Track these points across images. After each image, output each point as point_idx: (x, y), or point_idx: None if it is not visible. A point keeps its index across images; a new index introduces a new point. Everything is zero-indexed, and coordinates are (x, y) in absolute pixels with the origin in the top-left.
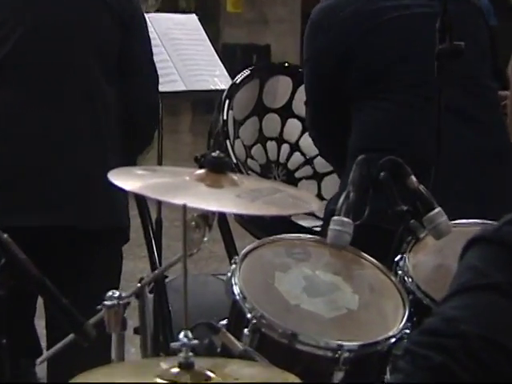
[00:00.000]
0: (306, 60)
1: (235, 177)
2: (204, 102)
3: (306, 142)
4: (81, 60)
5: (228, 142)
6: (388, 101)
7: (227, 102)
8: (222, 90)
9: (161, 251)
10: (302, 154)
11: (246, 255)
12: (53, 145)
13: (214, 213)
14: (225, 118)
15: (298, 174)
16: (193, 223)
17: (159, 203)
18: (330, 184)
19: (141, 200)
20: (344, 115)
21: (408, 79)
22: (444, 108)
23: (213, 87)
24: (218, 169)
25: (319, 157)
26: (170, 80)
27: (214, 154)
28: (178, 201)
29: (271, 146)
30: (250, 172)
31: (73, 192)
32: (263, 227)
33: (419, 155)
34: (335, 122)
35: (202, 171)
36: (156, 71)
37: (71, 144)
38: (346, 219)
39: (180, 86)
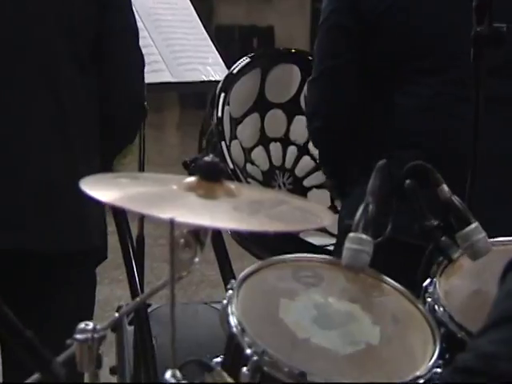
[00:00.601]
0: (329, 12)
1: (232, 186)
2: (194, 95)
3: None
4: (42, 44)
5: (223, 143)
6: (420, 85)
7: (222, 95)
8: (217, 82)
9: (143, 274)
10: (312, 157)
11: (244, 279)
12: (4, 150)
13: (206, 229)
14: (219, 114)
15: (307, 182)
16: (181, 241)
17: (141, 217)
18: None
19: (119, 214)
20: (364, 98)
21: (445, 61)
22: (484, 100)
23: (205, 78)
24: (211, 176)
25: None
26: (154, 69)
27: (206, 158)
28: (164, 214)
29: (275, 148)
30: (249, 180)
31: (32, 208)
32: (265, 246)
33: (453, 152)
34: (355, 103)
35: (192, 179)
36: (142, 56)
37: (29, 148)
38: (364, 236)
39: (166, 77)
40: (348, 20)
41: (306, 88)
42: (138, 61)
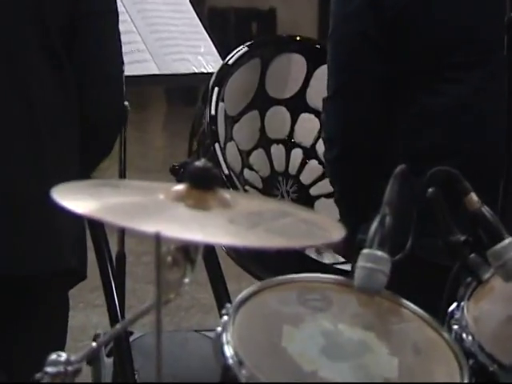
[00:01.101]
0: (343, 17)
1: (227, 195)
2: (183, 90)
3: None
4: (8, 31)
5: (217, 145)
6: (452, 83)
7: (216, 90)
8: (210, 74)
9: (123, 298)
10: (321, 162)
11: (242, 303)
12: None
13: (198, 245)
14: (213, 112)
15: (314, 191)
16: (169, 259)
17: (122, 231)
18: None
19: (96, 227)
20: (391, 113)
21: (476, 55)
22: None
23: (196, 70)
24: (203, 184)
25: None
26: (137, 60)
27: (197, 162)
28: (149, 228)
29: (277, 151)
30: (247, 188)
31: None
32: (266, 264)
33: (483, 160)
34: (378, 124)
35: (181, 187)
36: (120, 48)
37: None
38: (380, 253)
39: (151, 69)
40: (368, 23)
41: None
42: (116, 50)
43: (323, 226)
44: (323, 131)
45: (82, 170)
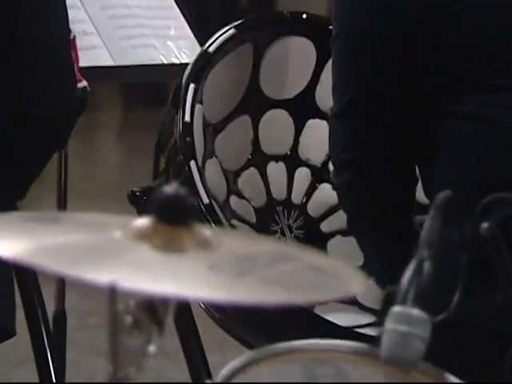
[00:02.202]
0: (354, 17)
1: (207, 232)
2: (147, 88)
3: None
4: None
5: (194, 164)
6: (499, 92)
7: (192, 87)
8: (184, 66)
9: (63, 373)
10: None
11: (227, 381)
12: None
13: (167, 300)
14: (187, 118)
15: (326, 226)
16: (128, 320)
17: (61, 282)
18: None
19: (26, 276)
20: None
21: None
22: None
23: (164, 60)
24: (174, 217)
25: None
26: (83, 46)
27: (166, 187)
28: (100, 277)
29: (276, 171)
30: (234, 222)
31: None
32: (260, 327)
33: None
34: (396, 145)
35: (143, 221)
36: (65, 16)
37: None
38: (416, 312)
39: (102, 58)
40: (385, 25)
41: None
42: (60, 19)
43: (338, 273)
44: (330, 152)
45: (6, 196)
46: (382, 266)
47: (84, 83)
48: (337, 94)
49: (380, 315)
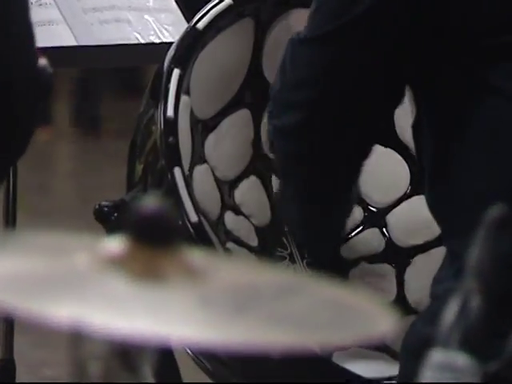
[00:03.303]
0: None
1: (196, 258)
2: (119, 74)
3: (370, 172)
4: None
5: (178, 171)
6: None
7: (177, 74)
8: (166, 46)
9: None
10: (361, 200)
11: None
12: None
13: (145, 343)
14: (170, 113)
15: (347, 251)
16: (95, 368)
17: (9, 324)
18: (425, 271)
19: None
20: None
21: None
22: None
23: (141, 39)
24: (153, 238)
25: (400, 207)
26: (39, 21)
27: (143, 201)
28: (59, 314)
29: None
30: (230, 245)
31: None
32: (263, 377)
33: None
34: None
35: (115, 243)
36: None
37: None
38: (461, 359)
39: (63, 38)
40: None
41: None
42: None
43: (363, 311)
44: (281, 73)
45: None
46: (303, 221)
47: (43, 61)
48: (320, 16)
49: (414, 361)
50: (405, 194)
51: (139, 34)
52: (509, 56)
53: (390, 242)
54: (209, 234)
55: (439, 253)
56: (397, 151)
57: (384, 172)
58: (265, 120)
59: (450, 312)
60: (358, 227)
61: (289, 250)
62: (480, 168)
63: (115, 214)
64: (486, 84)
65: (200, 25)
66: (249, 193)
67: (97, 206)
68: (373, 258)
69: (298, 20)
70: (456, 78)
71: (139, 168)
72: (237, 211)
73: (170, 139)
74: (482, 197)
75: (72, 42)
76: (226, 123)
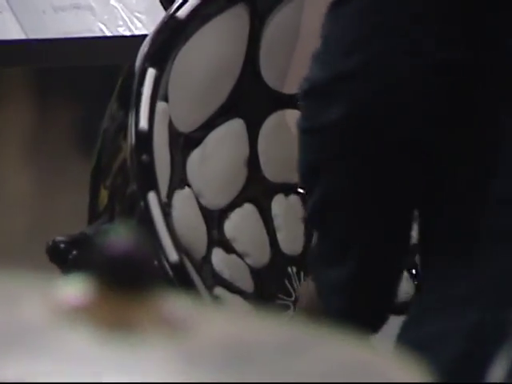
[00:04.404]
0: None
1: (175, 306)
2: (77, 75)
3: None
4: None
5: (153, 196)
6: None
7: (151, 74)
8: (139, 40)
9: None
10: None
11: None
12: None
13: None
14: (143, 125)
15: None
16: None
17: None
18: None
19: None
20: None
21: None
22: None
23: (107, 31)
24: (123, 283)
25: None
26: None
27: (110, 235)
28: (5, 376)
29: (286, 208)
30: (218, 291)
31: None
32: None
33: None
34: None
35: (74, 289)
36: None
37: None
38: None
39: (8, 30)
40: None
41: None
42: None
43: (386, 375)
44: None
45: None
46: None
47: None
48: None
49: None
50: None
51: (104, 24)
52: None
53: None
54: (192, 277)
55: None
56: None
57: None
58: (264, 132)
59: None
60: None
61: (293, 298)
62: None
63: (74, 252)
64: None
65: (181, 13)
66: (243, 225)
67: (50, 243)
68: (400, 310)
69: (302, 7)
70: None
71: (104, 194)
72: (228, 248)
73: (144, 157)
74: None
75: (19, 35)
76: (214, 137)
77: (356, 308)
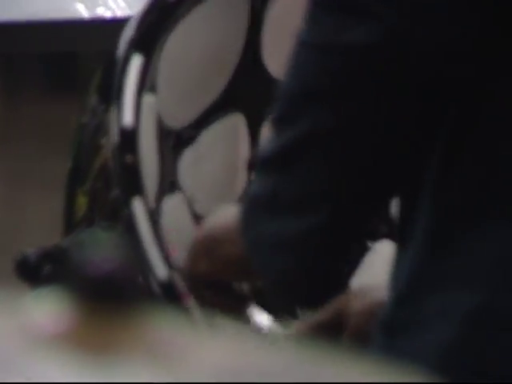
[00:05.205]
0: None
1: (165, 330)
2: (51, 63)
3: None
4: None
5: (139, 204)
6: None
7: (137, 62)
8: (122, 23)
9: None
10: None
11: None
12: None
13: None
14: (128, 120)
15: None
16: None
17: None
18: None
19: None
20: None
21: None
22: None
23: (85, 13)
24: (105, 303)
25: None
26: None
27: (89, 248)
28: None
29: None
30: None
31: None
32: None
33: None
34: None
35: (49, 310)
36: None
37: None
38: None
39: None
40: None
41: None
42: None
43: None
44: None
45: None
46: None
47: None
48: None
49: None
50: None
51: (83, 4)
52: None
53: None
54: (183, 295)
55: None
56: None
57: None
58: (266, 127)
59: None
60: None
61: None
62: None
63: (46, 268)
64: None
65: None
66: None
67: (19, 256)
68: None
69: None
70: None
71: (82, 200)
72: None
73: (128, 158)
74: None
75: None
76: (210, 134)
77: (303, 270)
